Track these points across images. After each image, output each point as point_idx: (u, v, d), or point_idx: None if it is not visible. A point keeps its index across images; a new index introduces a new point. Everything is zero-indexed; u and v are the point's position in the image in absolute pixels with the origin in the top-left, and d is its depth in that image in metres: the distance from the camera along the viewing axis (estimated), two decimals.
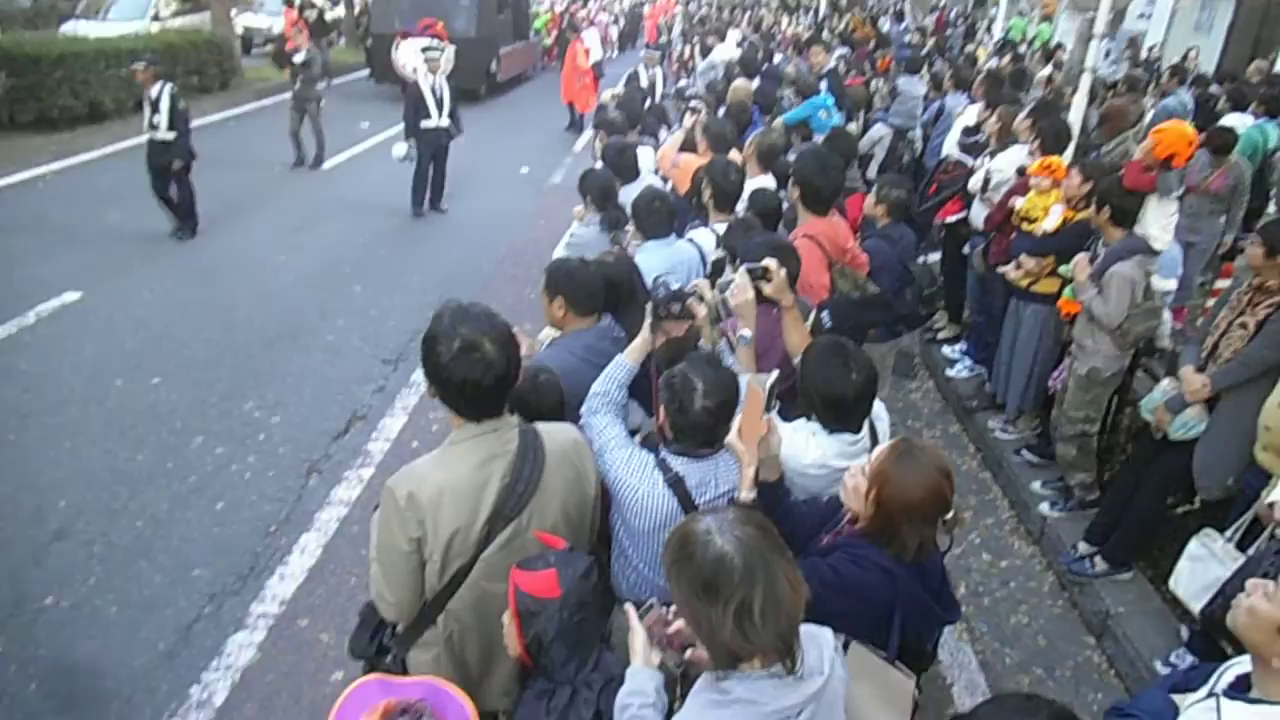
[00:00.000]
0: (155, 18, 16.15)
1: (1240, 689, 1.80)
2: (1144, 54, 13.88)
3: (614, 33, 25.51)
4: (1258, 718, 1.72)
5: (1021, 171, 5.27)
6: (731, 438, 2.23)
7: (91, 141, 11.37)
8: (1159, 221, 4.27)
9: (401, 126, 9.53)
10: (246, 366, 6.04)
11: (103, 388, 5.63)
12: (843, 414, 2.54)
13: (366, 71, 17.27)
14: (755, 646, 1.53)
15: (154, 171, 8.01)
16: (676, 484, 2.34)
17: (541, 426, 2.25)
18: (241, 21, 18.07)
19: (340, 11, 22.25)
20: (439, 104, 9.12)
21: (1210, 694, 1.83)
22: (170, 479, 4.76)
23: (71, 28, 15.10)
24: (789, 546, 2.28)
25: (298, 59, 10.83)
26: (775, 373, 2.27)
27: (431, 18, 14.46)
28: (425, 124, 9.05)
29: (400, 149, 9.14)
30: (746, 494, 2.22)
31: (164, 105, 7.72)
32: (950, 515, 2.15)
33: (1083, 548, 4.30)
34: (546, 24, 22.69)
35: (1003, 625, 4.13)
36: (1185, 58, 11.64)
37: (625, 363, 2.58)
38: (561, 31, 21.18)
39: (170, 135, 7.80)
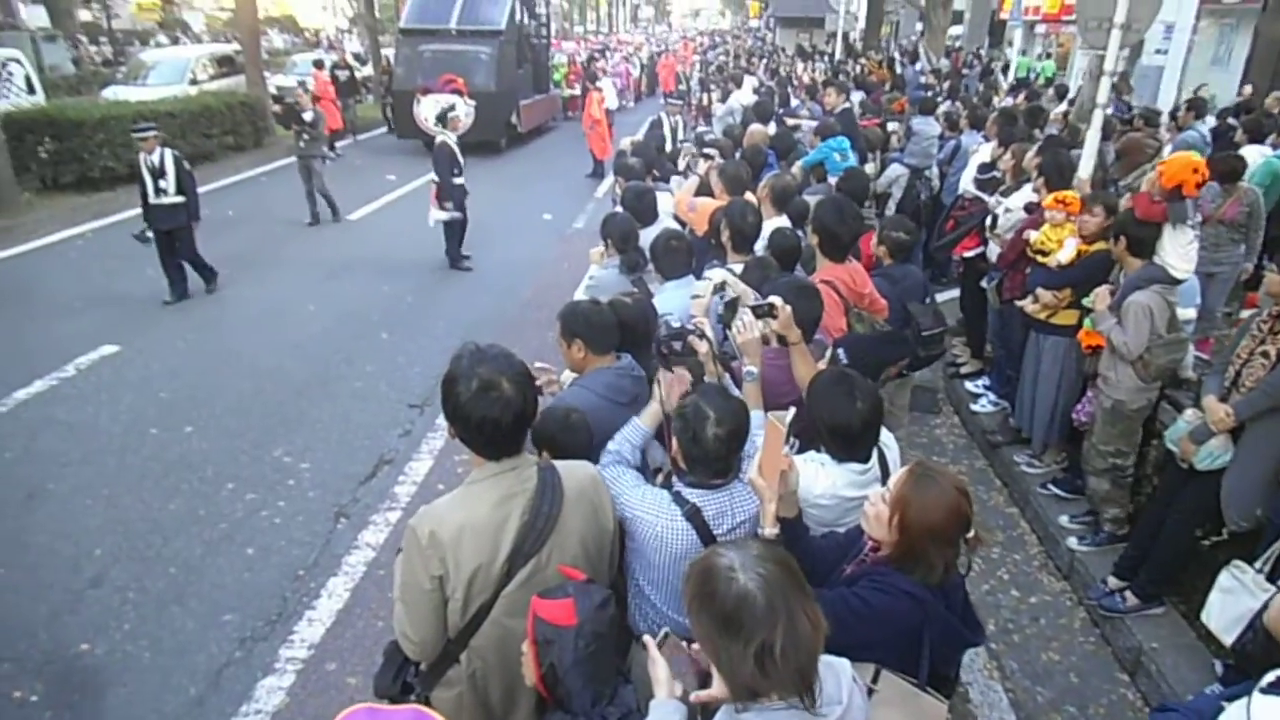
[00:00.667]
0: (193, 81, 16.81)
1: (1278, 689, 1.80)
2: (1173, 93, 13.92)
3: (633, 81, 26.01)
4: None
5: (1030, 208, 5.30)
6: (752, 474, 2.24)
7: (131, 200, 11.58)
8: (1176, 250, 4.26)
9: (424, 186, 10.02)
10: (276, 414, 6.17)
11: (138, 437, 5.78)
12: (850, 443, 2.57)
13: (386, 128, 17.81)
14: (774, 684, 1.54)
15: (162, 237, 8.02)
16: (694, 515, 2.36)
17: (559, 464, 2.30)
18: (274, 83, 18.69)
19: (369, 70, 22.97)
20: (463, 161, 9.35)
21: (1247, 693, 1.84)
22: (202, 526, 4.86)
23: (113, 92, 15.78)
24: (810, 581, 2.31)
25: (307, 117, 10.93)
26: (793, 410, 2.30)
27: (452, 74, 14.92)
28: (458, 180, 9.20)
29: (440, 214, 9.22)
30: (770, 530, 2.23)
31: (170, 169, 7.78)
32: (971, 535, 2.16)
33: (1113, 582, 4.23)
34: (566, 75, 23.20)
35: (1034, 663, 4.06)
36: (1196, 91, 11.63)
37: (640, 427, 2.62)
38: (582, 82, 21.56)
39: (180, 198, 7.88)
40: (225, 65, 18.30)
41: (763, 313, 2.84)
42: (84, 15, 33.26)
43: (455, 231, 9.53)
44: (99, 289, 8.50)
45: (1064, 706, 3.82)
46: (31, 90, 13.64)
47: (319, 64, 17.31)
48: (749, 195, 5.32)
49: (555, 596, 1.92)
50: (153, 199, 7.82)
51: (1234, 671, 3.34)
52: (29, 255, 9.78)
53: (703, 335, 2.73)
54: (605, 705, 1.93)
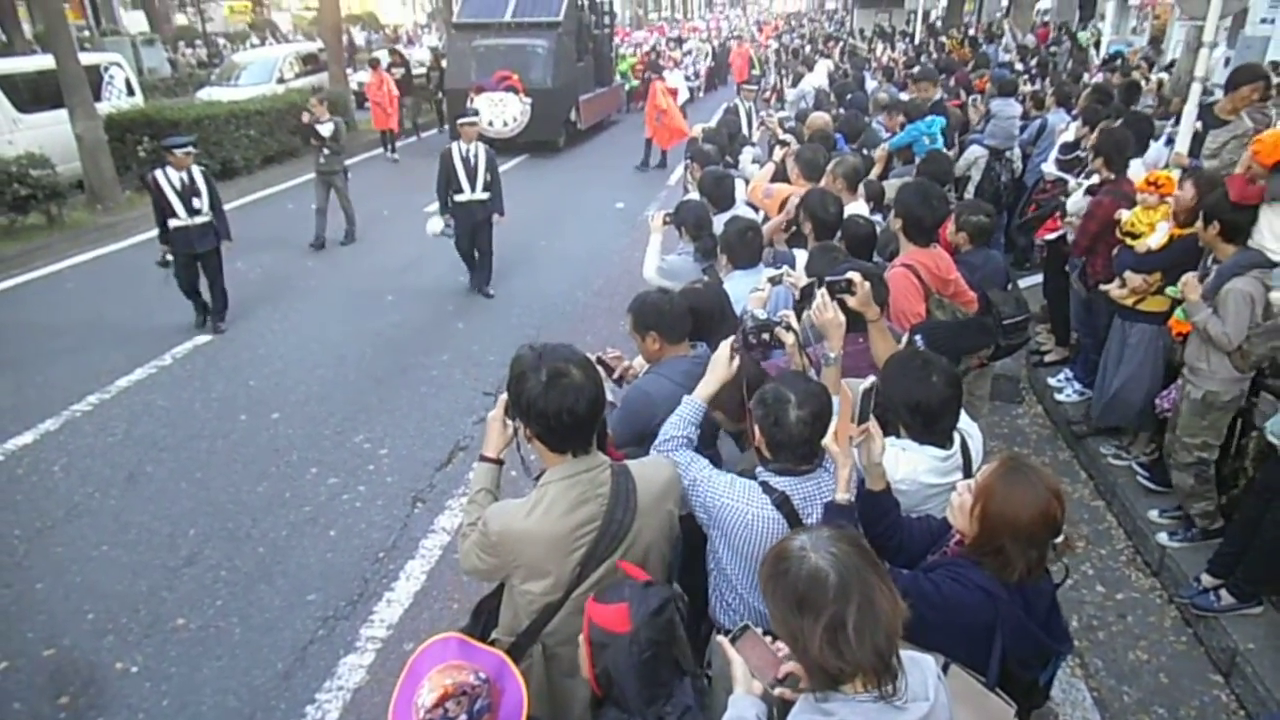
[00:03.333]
0: (280, 80, 17.44)
1: None
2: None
3: (705, 70, 25.70)
4: None
5: (1092, 190, 5.05)
6: (828, 439, 2.24)
7: (225, 195, 12.23)
8: (1275, 230, 4.01)
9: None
10: (357, 401, 6.37)
11: (229, 423, 6.05)
12: (928, 422, 2.51)
13: (443, 129, 16.96)
14: (850, 664, 1.51)
15: (190, 260, 7.38)
16: (783, 503, 2.35)
17: (633, 466, 2.31)
18: (355, 79, 19.18)
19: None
20: (471, 175, 7.98)
21: None
22: (288, 508, 5.06)
23: (207, 93, 16.50)
24: (897, 559, 2.28)
25: (323, 130, 9.86)
26: (871, 379, 2.28)
27: (507, 70, 14.62)
28: (458, 198, 8.07)
29: (435, 224, 8.28)
30: (842, 495, 2.23)
31: (202, 186, 7.24)
32: (1060, 540, 2.08)
33: (1206, 580, 4.03)
34: (633, 66, 22.31)
35: (1120, 661, 3.91)
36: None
37: (696, 402, 2.59)
38: (645, 75, 20.53)
39: (210, 216, 7.34)
40: (310, 63, 18.92)
41: (840, 289, 2.79)
42: (180, 19, 34.78)
43: (463, 257, 8.55)
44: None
45: (1153, 707, 3.66)
46: (131, 92, 14.30)
47: (374, 62, 16.48)
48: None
49: (611, 600, 1.92)
50: (184, 219, 7.15)
51: None
52: (130, 249, 10.29)
53: (789, 327, 2.69)
54: (662, 705, 1.92)
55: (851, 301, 2.81)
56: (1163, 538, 4.44)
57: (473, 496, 2.39)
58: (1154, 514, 4.62)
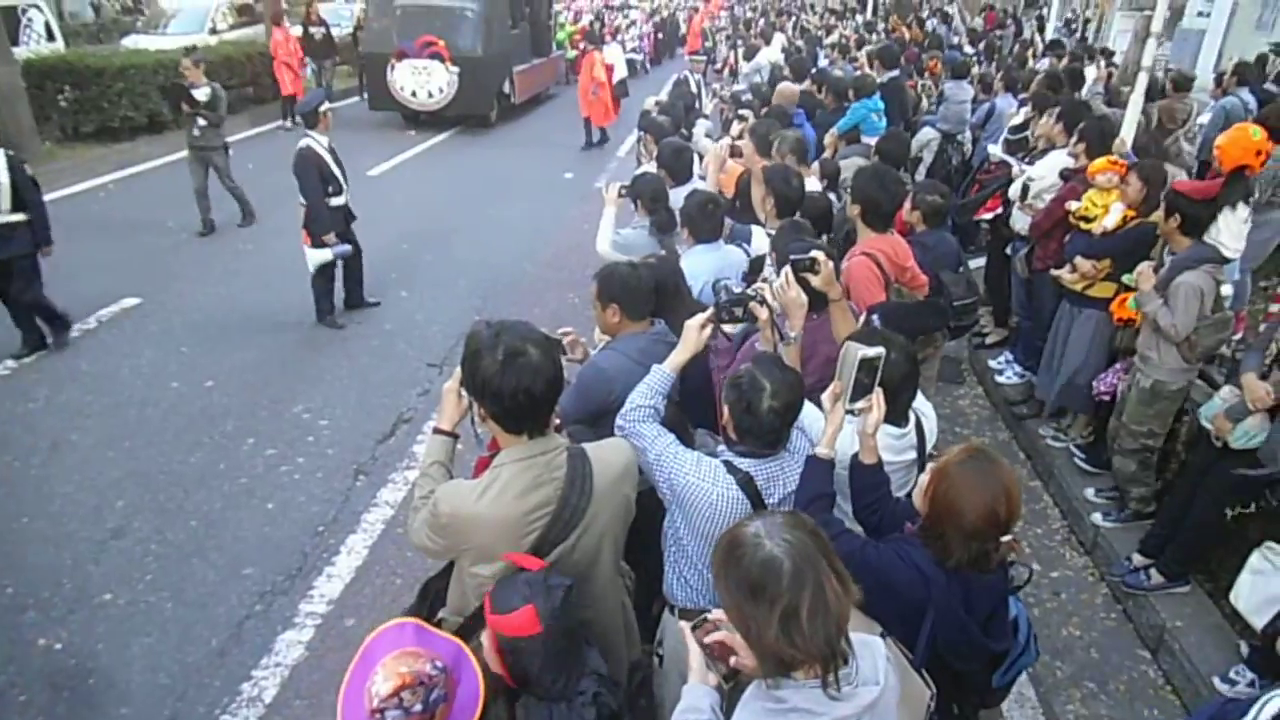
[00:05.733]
0: (213, 30, 16.66)
1: None
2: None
3: (651, 41, 25.36)
4: None
5: (1065, 175, 5.14)
6: (826, 395, 2.29)
7: (151, 151, 11.75)
8: (1230, 229, 4.11)
9: (446, 142, 8.86)
10: (296, 371, 6.17)
11: (159, 390, 5.80)
12: (887, 400, 2.51)
13: (363, 97, 15.20)
14: (802, 652, 1.51)
15: None
16: (747, 484, 2.33)
17: (591, 449, 2.25)
18: (295, 32, 18.36)
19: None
20: (344, 171, 6.61)
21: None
22: (223, 480, 4.89)
23: (132, 41, 15.66)
24: (878, 534, 2.28)
25: (200, 95, 8.34)
26: (881, 349, 2.28)
27: (432, 35, 13.28)
28: (333, 201, 6.50)
29: (319, 255, 6.58)
30: (825, 450, 2.26)
31: (3, 178, 5.61)
32: (1008, 539, 2.10)
33: (1137, 559, 4.17)
34: (571, 36, 20.87)
35: (1054, 637, 4.03)
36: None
37: (665, 372, 2.54)
38: (583, 45, 18.68)
39: (18, 217, 5.74)
40: (245, 14, 18.09)
41: (803, 267, 2.77)
42: None
43: (321, 279, 6.80)
44: (121, 241, 8.47)
45: (1083, 682, 3.79)
46: (51, 37, 13.57)
47: (278, 18, 14.56)
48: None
49: (512, 605, 1.87)
50: None
51: (1262, 654, 3.30)
52: (51, 205, 9.71)
53: (764, 301, 2.65)
54: (576, 681, 1.91)
55: (815, 280, 2.79)
56: (1097, 518, 4.58)
57: (425, 469, 2.32)
58: (1090, 493, 4.76)
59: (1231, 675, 3.48)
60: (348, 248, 6.72)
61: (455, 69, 13.40)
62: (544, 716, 1.86)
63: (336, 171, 6.49)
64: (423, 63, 13.42)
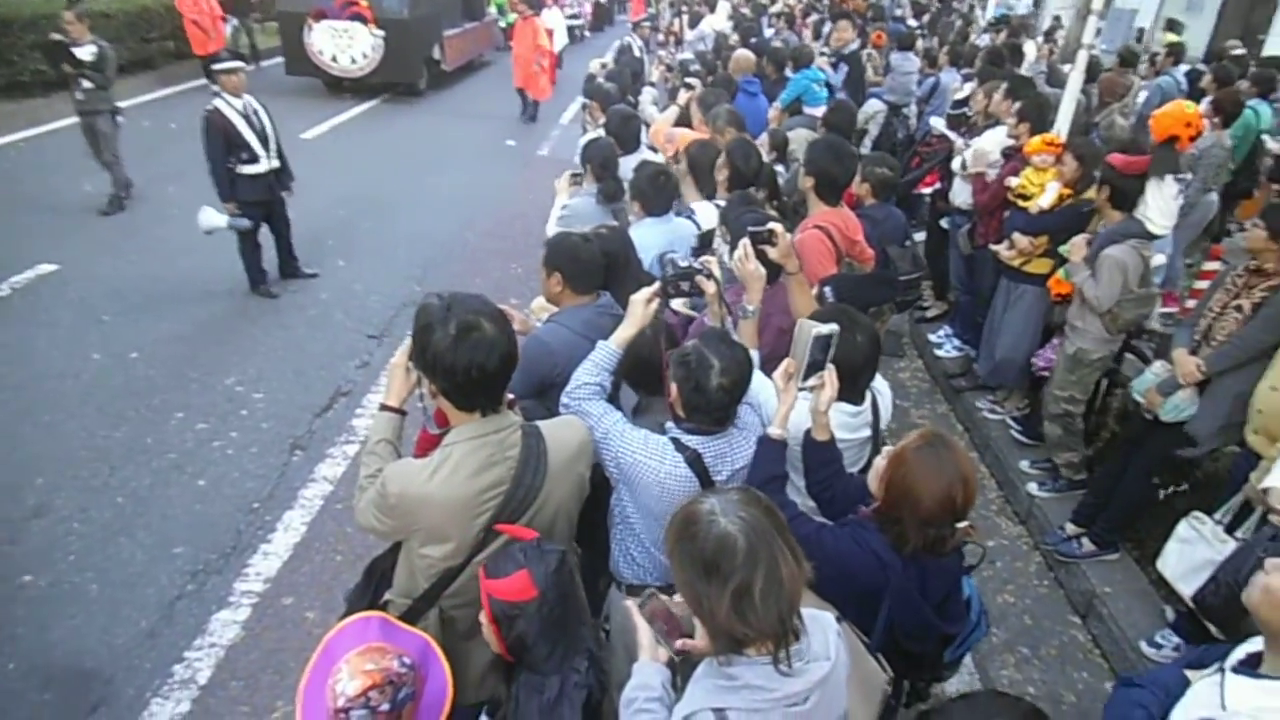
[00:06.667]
0: None
1: (1250, 666, 1.79)
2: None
3: (592, 7, 24.97)
4: (1262, 693, 1.72)
5: (1008, 153, 5.21)
6: (778, 373, 2.28)
7: (65, 109, 10.99)
8: (1158, 204, 4.22)
9: (375, 109, 8.23)
10: (227, 341, 5.94)
11: (80, 362, 5.52)
12: (850, 381, 2.50)
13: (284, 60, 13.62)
14: (754, 630, 1.51)
15: None
16: (695, 461, 2.31)
17: (545, 427, 2.20)
18: None
19: None
20: (262, 136, 6.15)
21: (1219, 669, 1.82)
22: (150, 455, 4.69)
23: None
24: (830, 509, 2.31)
25: (83, 54, 7.43)
26: (834, 325, 2.27)
27: None
28: (247, 169, 6.12)
29: (211, 216, 6.16)
30: (776, 430, 2.25)
31: None
32: (964, 525, 2.11)
33: (1070, 528, 4.31)
34: None
35: (989, 604, 4.10)
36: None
37: (611, 348, 2.50)
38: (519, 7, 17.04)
39: None
40: None
41: (761, 239, 2.74)
42: None
43: (247, 246, 6.47)
44: (35, 203, 7.99)
45: (1017, 647, 3.91)
46: None
47: None
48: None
49: (507, 571, 1.82)
50: None
51: (1186, 619, 3.44)
52: None
53: (710, 275, 2.61)
54: (573, 657, 1.88)
55: (772, 253, 2.77)
56: (1032, 487, 4.71)
57: (371, 447, 2.23)
58: (1025, 465, 4.89)
59: (1158, 639, 3.63)
60: (246, 222, 6.27)
61: (380, 32, 12.46)
62: (537, 688, 1.82)
63: (249, 137, 6.05)
64: (343, 24, 12.44)
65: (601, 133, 5.14)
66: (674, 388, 2.32)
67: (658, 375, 2.48)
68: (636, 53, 10.84)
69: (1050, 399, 4.47)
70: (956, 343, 6.18)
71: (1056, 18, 13.38)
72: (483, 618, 1.86)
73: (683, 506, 1.64)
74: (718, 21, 12.29)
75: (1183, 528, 3.34)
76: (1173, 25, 11.12)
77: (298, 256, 7.00)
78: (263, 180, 6.25)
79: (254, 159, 6.12)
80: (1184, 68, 8.71)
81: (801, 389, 2.27)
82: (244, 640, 3.61)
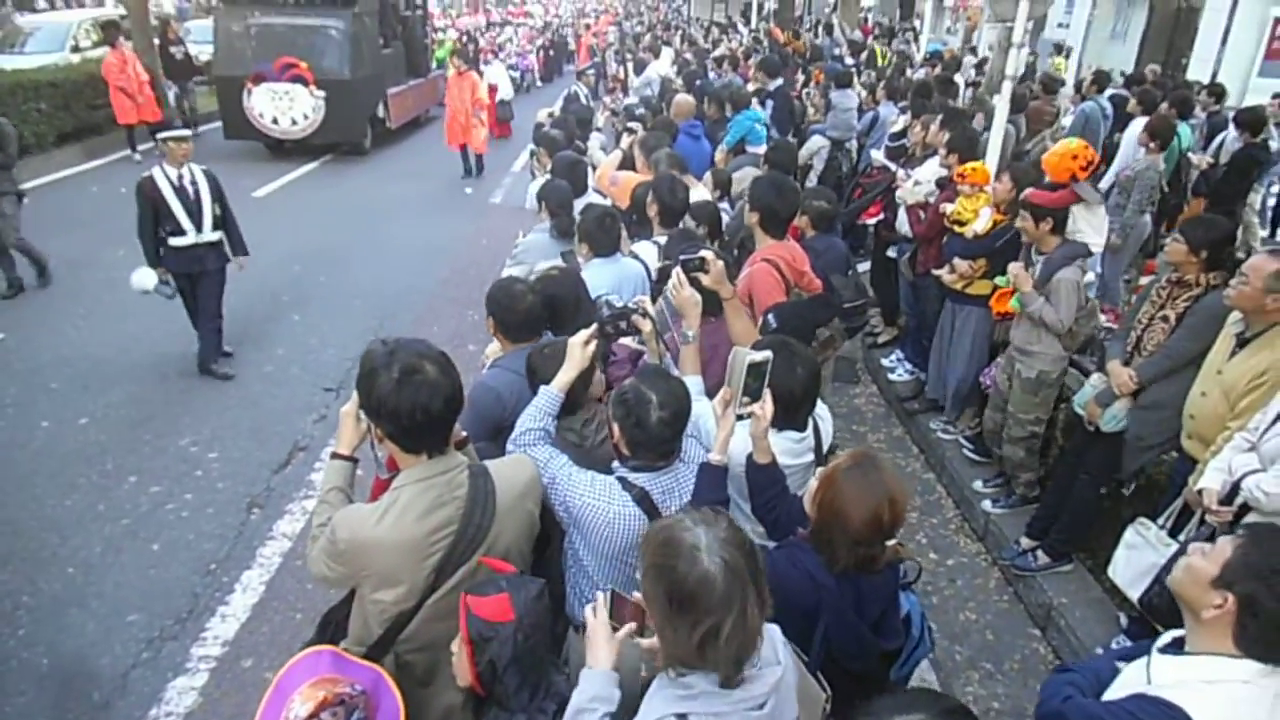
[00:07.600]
0: (75, 49, 15.68)
1: (1176, 647, 1.88)
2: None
3: (539, 59, 25.40)
4: (1182, 668, 1.81)
5: (942, 183, 5.40)
6: (715, 401, 2.32)
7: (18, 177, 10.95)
8: (1091, 224, 4.40)
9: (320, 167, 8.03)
10: (180, 402, 5.87)
11: (27, 431, 5.42)
12: (790, 409, 2.56)
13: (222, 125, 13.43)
14: (710, 664, 1.55)
15: None
16: (643, 499, 2.33)
17: (492, 466, 2.22)
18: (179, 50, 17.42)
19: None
20: (193, 209, 5.78)
21: (1146, 652, 1.91)
22: (102, 522, 4.60)
23: None
24: (775, 532, 2.37)
25: None
26: (767, 352, 2.32)
27: (292, 56, 12.28)
28: (176, 241, 5.80)
29: (145, 276, 5.89)
30: (717, 457, 2.27)
31: None
32: (892, 543, 2.16)
33: (1025, 542, 4.39)
34: (452, 53, 18.54)
35: (952, 623, 4.19)
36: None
37: (553, 392, 2.54)
38: (457, 64, 15.55)
39: None
40: (111, 30, 17.12)
41: (694, 267, 2.82)
42: None
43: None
44: None
45: (980, 664, 3.95)
46: None
47: (112, 37, 12.62)
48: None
49: (488, 592, 1.85)
50: None
51: (1139, 624, 3.51)
52: None
53: (646, 314, 2.68)
54: (541, 699, 1.88)
55: (705, 280, 2.84)
56: (987, 505, 4.80)
57: (323, 496, 2.24)
58: (979, 484, 4.98)
59: (1113, 645, 3.69)
60: (170, 289, 5.92)
61: (321, 93, 12.38)
62: None
63: (176, 209, 5.68)
64: (284, 86, 12.32)
65: (550, 178, 5.24)
66: (615, 427, 2.35)
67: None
68: (584, 100, 11.02)
69: (1014, 423, 4.51)
70: (908, 366, 6.31)
71: (984, 59, 13.89)
72: (456, 644, 1.86)
73: (666, 528, 1.64)
74: (662, 67, 12.58)
75: (1129, 534, 3.42)
76: (1059, 48, 11.72)
77: (225, 341, 6.41)
78: (189, 253, 5.87)
79: (178, 231, 5.78)
80: (1109, 92, 9.09)
81: (739, 416, 2.32)
82: (202, 707, 3.53)
